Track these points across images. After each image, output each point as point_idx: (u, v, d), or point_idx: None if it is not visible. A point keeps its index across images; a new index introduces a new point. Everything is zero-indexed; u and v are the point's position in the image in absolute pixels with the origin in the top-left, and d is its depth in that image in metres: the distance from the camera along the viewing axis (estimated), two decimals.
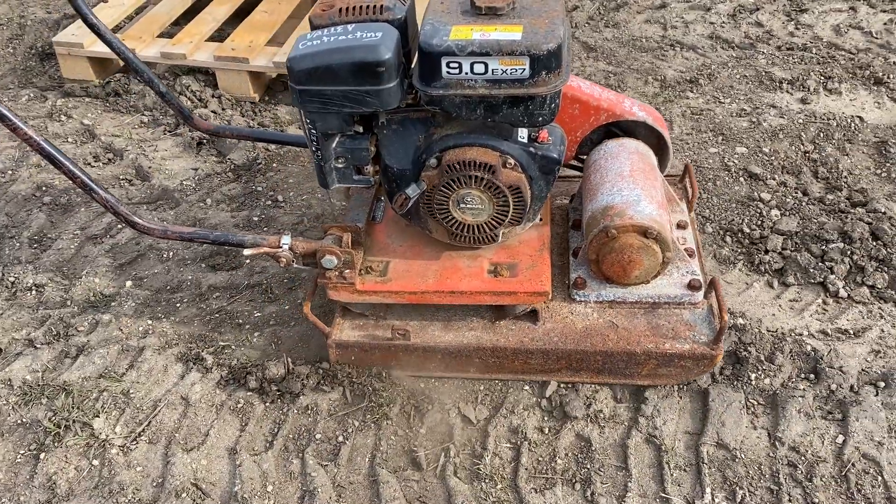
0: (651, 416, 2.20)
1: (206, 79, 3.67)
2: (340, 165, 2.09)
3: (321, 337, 2.48)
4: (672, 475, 2.07)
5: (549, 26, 1.84)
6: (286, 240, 2.11)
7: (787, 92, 3.57)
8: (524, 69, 1.82)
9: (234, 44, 3.59)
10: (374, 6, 2.00)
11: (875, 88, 3.58)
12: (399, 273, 2.20)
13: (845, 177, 3.04)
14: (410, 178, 2.05)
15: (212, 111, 3.48)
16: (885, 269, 2.57)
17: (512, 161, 2.00)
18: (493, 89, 1.85)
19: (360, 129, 2.04)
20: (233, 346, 2.49)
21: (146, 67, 2.60)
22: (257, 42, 3.61)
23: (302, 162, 3.26)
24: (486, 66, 1.82)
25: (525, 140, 2.03)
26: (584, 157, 2.48)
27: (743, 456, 2.10)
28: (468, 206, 2.05)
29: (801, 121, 3.37)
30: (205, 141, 3.36)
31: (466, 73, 1.84)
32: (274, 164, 3.25)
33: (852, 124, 3.35)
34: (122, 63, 3.90)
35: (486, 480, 2.08)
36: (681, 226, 2.43)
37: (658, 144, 2.45)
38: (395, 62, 1.87)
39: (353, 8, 2.02)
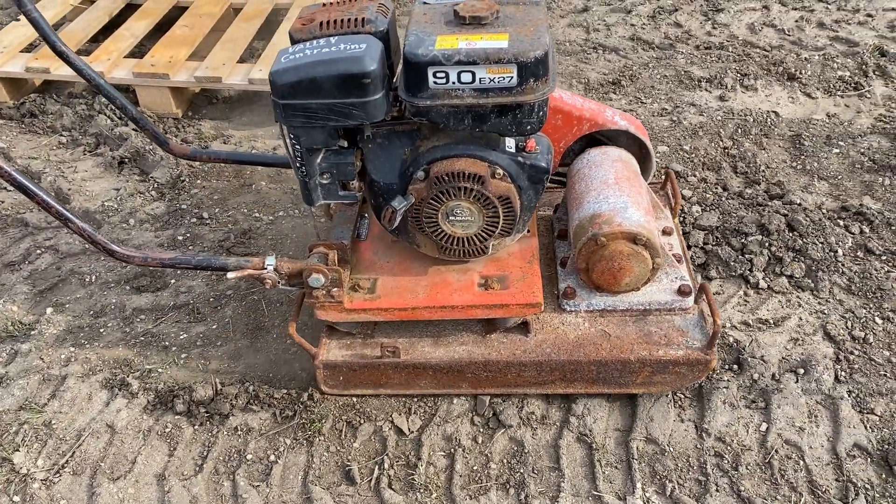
0: (581, 416, 2.23)
1: (126, 96, 3.57)
2: (325, 181, 2.03)
3: (250, 355, 2.45)
4: (604, 472, 2.10)
5: (534, 34, 1.83)
6: (270, 261, 2.05)
7: (706, 90, 3.67)
8: (512, 77, 1.80)
9: (154, 59, 3.52)
10: (357, 19, 1.97)
11: (789, 84, 3.71)
12: (388, 290, 2.15)
13: (763, 171, 3.14)
14: (397, 192, 2.00)
15: (133, 129, 3.40)
16: (802, 258, 2.66)
17: (501, 171, 1.97)
18: (481, 98, 1.82)
19: (345, 144, 1.99)
20: (159, 370, 2.43)
21: (119, 94, 2.49)
22: (178, 57, 3.54)
23: (227, 178, 3.21)
24: (474, 74, 1.79)
25: (513, 150, 2.00)
26: (566, 167, 2.47)
27: (671, 449, 2.14)
28: (457, 218, 2.02)
29: (719, 118, 3.47)
30: (126, 160, 3.28)
31: (453, 83, 1.81)
32: (198, 181, 3.19)
33: (768, 119, 3.46)
34: (37, 83, 3.79)
35: (421, 490, 2.08)
36: (666, 232, 2.43)
37: (640, 152, 2.45)
38: (380, 73, 1.83)
39: (335, 21, 1.98)
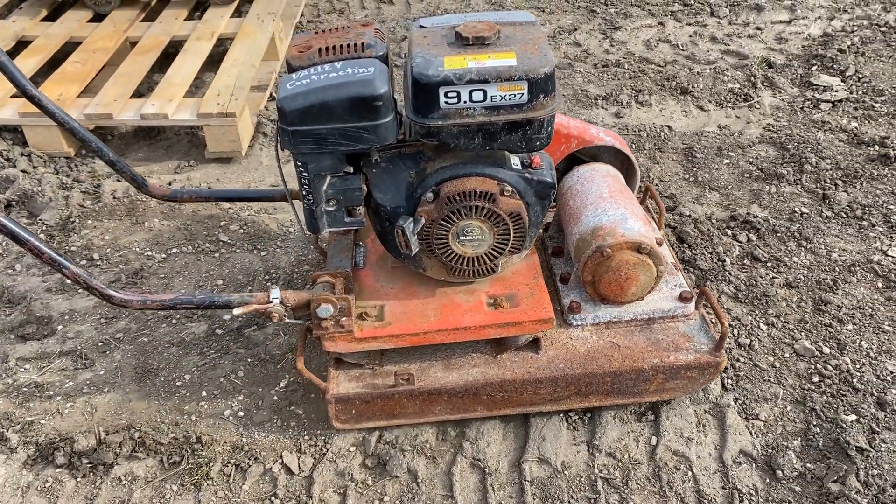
0: (475, 440, 2.22)
1: (14, 137, 3.47)
2: (331, 208, 1.99)
3: (138, 401, 2.38)
4: (496, 496, 2.09)
5: (540, 51, 1.85)
6: (276, 293, 2.00)
7: (602, 107, 3.74)
8: (522, 94, 1.81)
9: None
10: (356, 44, 1.96)
11: (682, 98, 3.81)
12: (396, 315, 2.11)
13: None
14: (404, 215, 1.98)
15: (21, 170, 3.29)
16: (691, 269, 2.72)
17: (510, 188, 1.97)
18: (492, 116, 1.84)
19: (351, 169, 1.96)
20: (42, 421, 2.33)
21: (94, 137, 2.39)
22: (67, 94, 3.45)
23: (119, 216, 3.12)
24: (485, 93, 1.81)
25: (519, 167, 2.00)
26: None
27: (563, 469, 2.15)
28: (468, 237, 2.00)
29: None
30: (14, 203, 3.17)
31: (465, 102, 1.82)
32: (89, 221, 3.10)
33: (662, 133, 3.55)
34: None
35: None
36: (658, 243, 2.42)
37: (623, 167, 2.48)
38: (390, 96, 1.83)
39: (335, 47, 1.96)
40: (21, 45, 4.01)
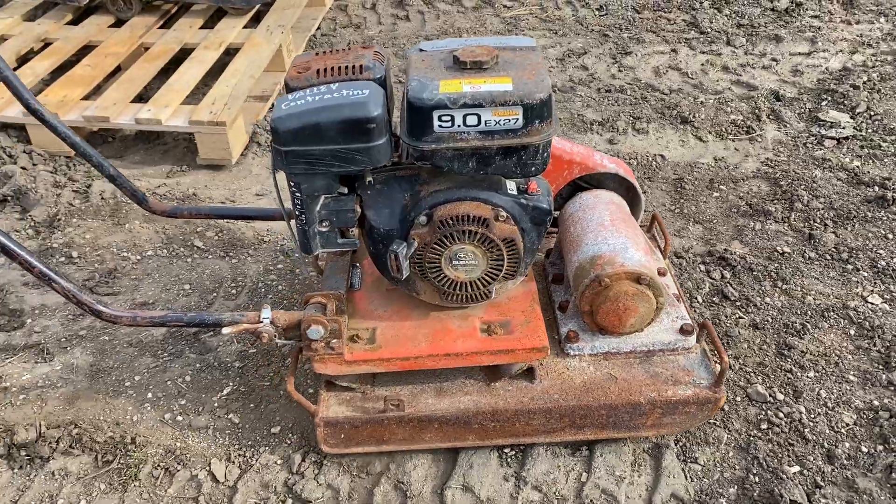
0: (402, 462, 2.20)
1: (18, 134, 3.61)
2: (325, 229, 2.00)
3: (86, 398, 2.44)
4: None
5: (537, 77, 1.85)
6: (266, 313, 2.00)
7: (598, 133, 3.70)
8: (517, 119, 1.81)
9: (47, 98, 3.55)
10: (354, 66, 1.98)
11: (681, 127, 3.74)
12: (388, 339, 2.09)
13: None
14: (397, 237, 1.98)
15: (21, 167, 3.42)
16: None
17: (504, 213, 1.96)
18: (486, 140, 1.84)
19: (345, 191, 1.98)
20: None
21: (95, 152, 2.47)
22: (71, 97, 3.57)
23: (102, 217, 3.22)
24: (479, 117, 1.81)
25: (515, 192, 2.00)
26: (557, 212, 2.44)
27: (486, 497, 2.11)
28: (461, 262, 1.99)
29: None
30: (9, 198, 3.29)
31: (459, 126, 1.82)
32: (74, 220, 3.20)
33: (653, 162, 3.48)
34: None
35: None
36: (661, 272, 2.37)
37: (628, 195, 2.45)
38: (384, 118, 1.84)
39: (332, 69, 1.98)
40: (45, 46, 4.17)
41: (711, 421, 2.29)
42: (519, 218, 1.99)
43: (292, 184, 1.93)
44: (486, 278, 2.04)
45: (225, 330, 1.99)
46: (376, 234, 2.01)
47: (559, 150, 2.34)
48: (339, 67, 1.99)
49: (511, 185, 2.01)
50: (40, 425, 2.30)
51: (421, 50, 2.03)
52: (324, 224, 2.00)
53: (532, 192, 2.00)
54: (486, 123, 1.82)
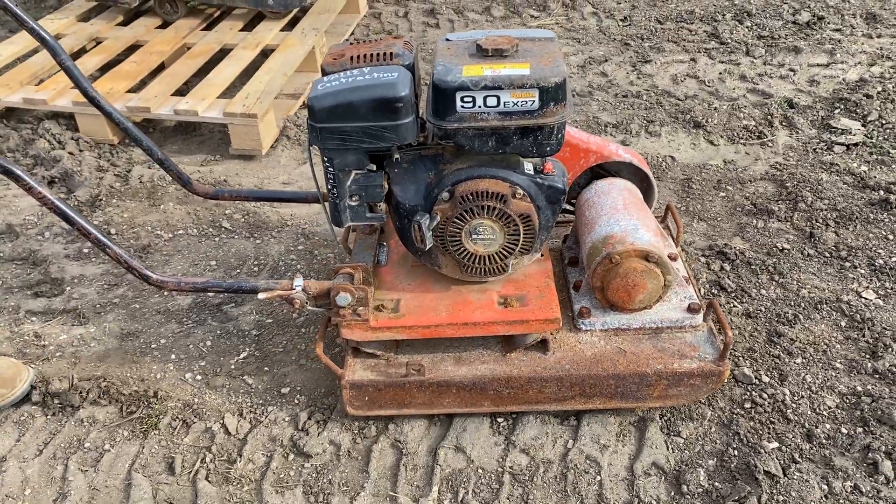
0: (400, 423, 2.36)
1: (67, 123, 3.89)
2: (354, 203, 2.16)
3: (115, 357, 2.64)
4: (407, 476, 2.22)
5: (553, 63, 2.02)
6: (299, 282, 2.17)
7: (611, 134, 3.83)
8: (534, 101, 1.96)
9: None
10: (385, 53, 2.14)
11: (694, 131, 3.85)
12: (411, 308, 2.24)
13: None
14: (421, 212, 2.13)
15: (68, 152, 3.68)
16: None
17: (521, 191, 2.10)
18: (505, 121, 1.99)
19: (374, 167, 2.13)
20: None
21: (145, 137, 2.66)
22: (116, 89, 3.84)
23: (140, 198, 3.45)
24: (499, 98, 1.96)
25: (532, 172, 2.13)
26: (573, 200, 2.61)
27: (476, 458, 2.25)
28: (480, 236, 2.14)
29: None
30: (56, 179, 3.56)
31: (479, 107, 1.97)
32: (114, 200, 3.45)
33: (663, 163, 3.60)
34: None
35: (235, 483, 2.22)
36: (671, 258, 2.51)
37: (642, 185, 2.59)
38: (411, 99, 2.00)
39: (365, 55, 2.15)
40: (96, 44, 4.47)
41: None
42: (535, 196, 2.13)
43: (326, 159, 2.10)
44: (503, 252, 2.18)
45: (261, 295, 2.17)
46: (402, 209, 2.16)
47: (576, 140, 2.48)
48: (372, 54, 2.17)
49: (528, 166, 2.15)
50: (73, 378, 2.51)
51: (447, 39, 2.21)
52: (354, 198, 2.16)
53: (547, 172, 2.15)
54: (504, 105, 1.97)
